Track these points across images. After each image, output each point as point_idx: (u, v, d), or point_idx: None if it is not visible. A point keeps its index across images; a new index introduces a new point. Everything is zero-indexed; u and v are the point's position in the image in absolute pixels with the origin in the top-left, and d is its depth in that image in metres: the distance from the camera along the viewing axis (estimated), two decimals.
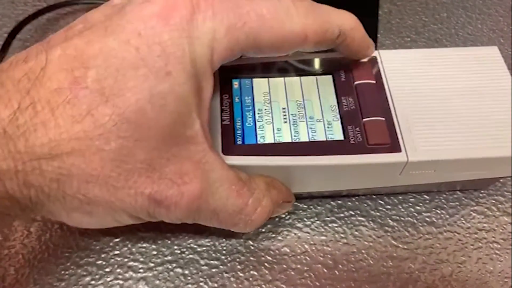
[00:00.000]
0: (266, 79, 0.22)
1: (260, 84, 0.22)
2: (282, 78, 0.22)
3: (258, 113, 0.21)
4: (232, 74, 0.22)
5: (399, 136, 0.20)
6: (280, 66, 0.22)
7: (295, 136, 0.20)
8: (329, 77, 0.22)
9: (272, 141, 0.20)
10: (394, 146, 0.19)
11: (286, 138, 0.20)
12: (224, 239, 0.23)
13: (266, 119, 0.21)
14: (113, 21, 0.16)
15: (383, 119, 0.20)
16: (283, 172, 0.20)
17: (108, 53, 0.15)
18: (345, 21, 0.19)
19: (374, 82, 0.21)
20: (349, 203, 0.24)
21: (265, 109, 0.21)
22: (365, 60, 0.22)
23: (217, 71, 0.21)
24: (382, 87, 0.21)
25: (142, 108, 0.15)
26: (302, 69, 0.22)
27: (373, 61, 0.22)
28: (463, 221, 0.24)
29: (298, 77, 0.22)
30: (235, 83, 0.22)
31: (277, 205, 0.20)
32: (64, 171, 0.15)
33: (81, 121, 0.14)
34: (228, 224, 0.19)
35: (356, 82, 0.22)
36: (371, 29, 0.32)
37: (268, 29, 0.17)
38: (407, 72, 0.22)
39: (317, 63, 0.23)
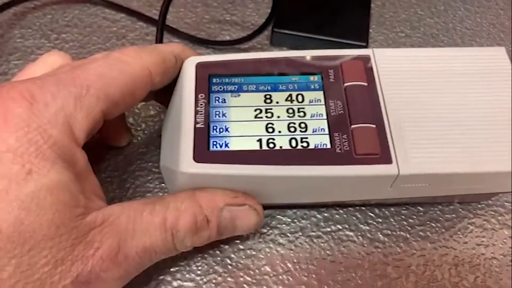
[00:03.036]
0: (249, 77, 0.21)
1: (241, 83, 0.21)
2: (267, 77, 0.21)
3: (237, 116, 0.20)
4: (211, 71, 0.21)
5: (391, 146, 0.19)
6: (265, 64, 0.22)
7: (276, 142, 0.19)
8: (317, 77, 0.21)
9: (251, 148, 0.19)
10: (384, 156, 0.19)
11: (266, 145, 0.19)
12: (199, 258, 0.22)
13: (245, 124, 0.20)
14: None
15: (374, 126, 0.20)
16: (261, 182, 0.19)
17: None
18: (173, 47, 0.21)
19: (365, 84, 0.21)
20: (337, 216, 0.24)
21: (246, 112, 0.20)
22: (357, 58, 0.22)
23: (194, 69, 0.21)
24: (374, 90, 0.21)
25: (17, 219, 0.15)
26: (288, 68, 0.21)
27: (366, 60, 0.22)
28: (460, 235, 0.23)
29: (283, 77, 0.21)
30: (214, 81, 0.21)
31: (216, 209, 0.19)
32: None
33: None
34: (166, 251, 0.19)
35: (346, 84, 0.21)
36: (362, 23, 0.31)
37: (113, 81, 0.18)
38: (402, 74, 0.21)
39: (305, 61, 0.22)
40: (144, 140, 0.26)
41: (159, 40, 0.27)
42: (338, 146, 0.19)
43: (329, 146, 0.19)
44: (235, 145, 0.19)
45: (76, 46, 0.30)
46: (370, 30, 0.32)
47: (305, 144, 0.19)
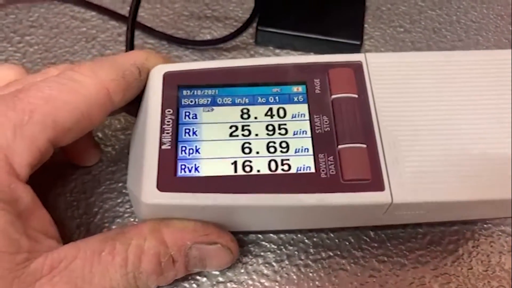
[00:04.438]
0: (224, 89, 0.19)
1: (215, 95, 0.19)
2: (244, 88, 0.19)
3: (210, 135, 0.18)
4: (180, 81, 0.19)
5: (383, 169, 0.17)
6: (243, 73, 0.20)
7: (253, 166, 0.18)
8: (302, 87, 0.19)
9: (225, 174, 0.17)
10: (375, 182, 0.17)
11: (242, 168, 0.18)
12: None
13: (219, 143, 0.18)
14: None
15: (364, 146, 0.18)
16: (236, 213, 0.18)
17: None
18: (135, 57, 0.19)
19: (355, 96, 0.19)
20: (328, 240, 0.22)
21: (219, 130, 0.18)
22: (347, 65, 0.20)
23: (161, 79, 0.19)
24: (366, 103, 0.19)
25: None
26: (269, 77, 0.20)
27: (358, 67, 0.20)
28: (464, 261, 0.21)
29: (263, 87, 0.19)
30: (184, 93, 0.19)
31: (184, 248, 0.17)
32: None
33: None
34: None
35: (333, 96, 0.19)
36: (356, 19, 0.29)
37: (63, 105, 0.16)
38: (399, 83, 0.19)
39: (287, 69, 0.20)
40: (114, 156, 0.24)
41: (129, 42, 0.25)
42: (323, 170, 0.17)
43: (313, 169, 0.17)
44: (207, 169, 0.18)
45: (42, 49, 0.28)
46: (366, 25, 0.30)
47: (286, 168, 0.18)
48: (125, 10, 0.30)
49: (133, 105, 0.20)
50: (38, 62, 0.28)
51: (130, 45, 0.25)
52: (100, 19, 0.30)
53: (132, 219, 0.22)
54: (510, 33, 0.30)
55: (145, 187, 0.17)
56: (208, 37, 0.30)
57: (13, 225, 0.15)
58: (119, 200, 0.23)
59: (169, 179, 0.17)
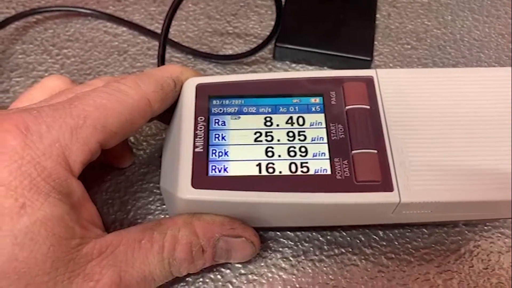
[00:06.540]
0: (249, 99, 0.21)
1: (242, 105, 0.21)
2: (267, 99, 0.21)
3: (237, 140, 0.20)
4: (211, 92, 0.21)
5: (392, 172, 0.19)
6: (266, 85, 0.22)
7: (276, 167, 0.20)
8: (319, 98, 0.21)
9: (250, 174, 0.19)
10: (385, 184, 0.19)
11: (265, 170, 0.19)
12: (200, 283, 0.22)
13: (245, 147, 0.20)
14: None
15: (375, 151, 0.20)
16: (259, 209, 0.19)
17: None
18: (171, 71, 0.21)
19: (368, 107, 0.21)
20: (340, 238, 0.24)
21: (245, 135, 0.20)
22: (359, 79, 0.22)
23: (194, 90, 0.21)
24: (377, 113, 0.21)
25: (11, 255, 0.15)
26: (289, 89, 0.22)
27: (369, 81, 0.22)
28: (465, 259, 0.23)
29: (284, 98, 0.21)
30: (214, 102, 0.21)
31: (213, 240, 0.19)
32: None
33: None
34: (163, 278, 0.19)
35: (347, 107, 0.21)
36: (367, 36, 0.31)
37: (111, 112, 0.19)
38: (406, 96, 0.21)
39: (306, 82, 0.22)
40: (145, 159, 0.26)
41: (161, 56, 0.27)
42: (338, 172, 0.19)
43: (329, 172, 0.19)
44: (234, 170, 0.19)
45: (78, 61, 0.31)
46: (375, 42, 0.32)
47: (305, 170, 0.20)
48: (153, 26, 0.33)
49: (164, 113, 0.22)
50: (75, 73, 0.30)
51: (161, 59, 0.27)
52: (131, 34, 0.32)
53: (162, 216, 0.24)
54: (510, 50, 0.32)
55: (181, 184, 0.19)
56: (230, 52, 0.32)
57: (68, 214, 0.17)
58: (150, 199, 0.25)
59: (201, 177, 0.19)
